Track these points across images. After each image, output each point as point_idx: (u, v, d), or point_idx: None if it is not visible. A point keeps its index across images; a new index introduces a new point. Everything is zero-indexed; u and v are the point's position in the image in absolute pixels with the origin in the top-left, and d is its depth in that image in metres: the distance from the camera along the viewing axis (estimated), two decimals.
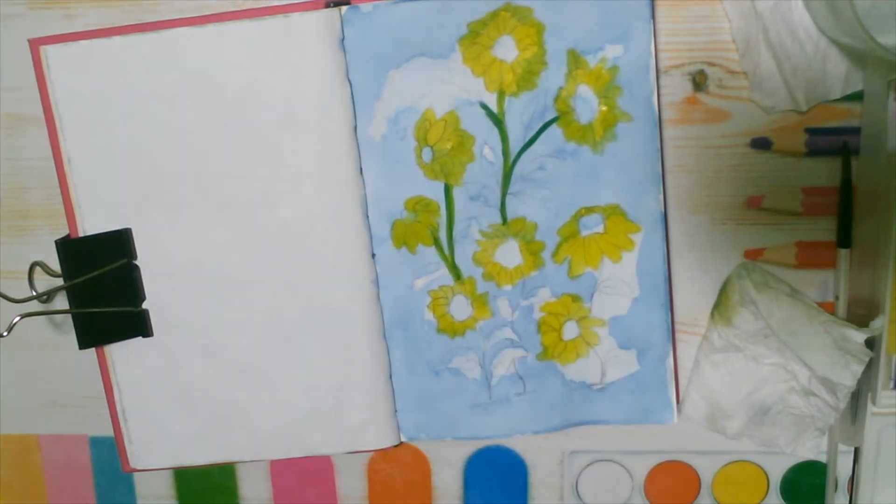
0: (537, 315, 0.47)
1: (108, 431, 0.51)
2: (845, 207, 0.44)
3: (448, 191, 0.46)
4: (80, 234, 0.48)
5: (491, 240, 0.46)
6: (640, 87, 0.44)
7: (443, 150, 0.45)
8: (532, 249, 0.46)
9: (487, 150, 0.45)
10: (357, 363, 0.48)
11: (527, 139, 0.45)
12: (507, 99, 0.44)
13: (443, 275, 0.47)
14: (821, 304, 0.46)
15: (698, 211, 0.46)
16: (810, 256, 0.46)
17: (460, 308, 0.47)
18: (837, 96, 0.43)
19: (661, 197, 0.45)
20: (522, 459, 0.50)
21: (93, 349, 0.49)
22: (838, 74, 0.42)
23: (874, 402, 0.45)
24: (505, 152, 0.45)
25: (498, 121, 0.45)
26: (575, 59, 0.44)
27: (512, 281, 0.47)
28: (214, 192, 0.47)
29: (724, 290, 0.46)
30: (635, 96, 0.44)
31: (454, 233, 0.46)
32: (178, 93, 0.45)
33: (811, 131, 0.44)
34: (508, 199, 0.46)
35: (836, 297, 0.45)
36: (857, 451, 0.47)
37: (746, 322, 0.45)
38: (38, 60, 0.46)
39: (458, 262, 0.47)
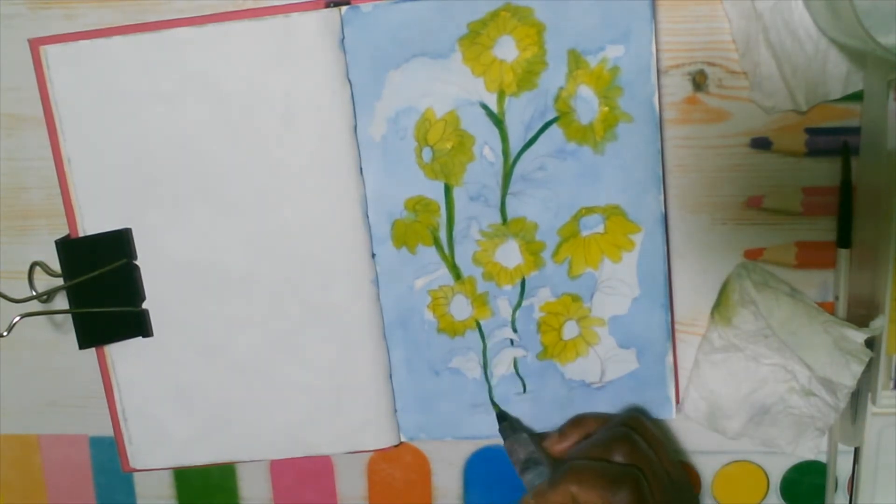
0: (537, 315, 0.47)
1: (108, 431, 0.51)
2: (845, 207, 0.44)
3: (448, 191, 0.46)
4: (80, 234, 0.48)
5: (491, 240, 0.46)
6: (640, 87, 0.44)
7: (443, 150, 0.45)
8: (532, 249, 0.46)
9: (487, 150, 0.45)
10: (357, 363, 0.48)
11: (527, 139, 0.45)
12: (507, 99, 0.44)
13: (443, 275, 0.47)
14: (821, 304, 0.46)
15: (698, 211, 0.46)
16: (810, 256, 0.46)
17: (460, 308, 0.47)
18: (837, 96, 0.43)
19: (661, 197, 0.45)
20: None
21: (93, 349, 0.49)
22: (838, 74, 0.42)
23: (874, 402, 0.45)
24: (505, 152, 0.45)
25: (498, 121, 0.45)
26: (575, 60, 0.44)
27: (512, 281, 0.47)
28: (214, 192, 0.47)
29: (724, 290, 0.46)
30: (636, 96, 0.44)
31: (454, 233, 0.47)
32: (179, 93, 0.45)
33: (811, 131, 0.44)
34: (508, 199, 0.46)
35: (836, 297, 0.45)
36: (857, 451, 0.47)
37: (746, 322, 0.45)
38: (38, 60, 0.46)
39: (458, 261, 0.47)
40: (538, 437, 0.48)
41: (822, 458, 0.48)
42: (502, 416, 0.48)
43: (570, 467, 0.42)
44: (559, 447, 0.46)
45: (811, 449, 0.46)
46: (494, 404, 0.48)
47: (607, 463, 0.42)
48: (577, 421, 0.47)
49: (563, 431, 0.47)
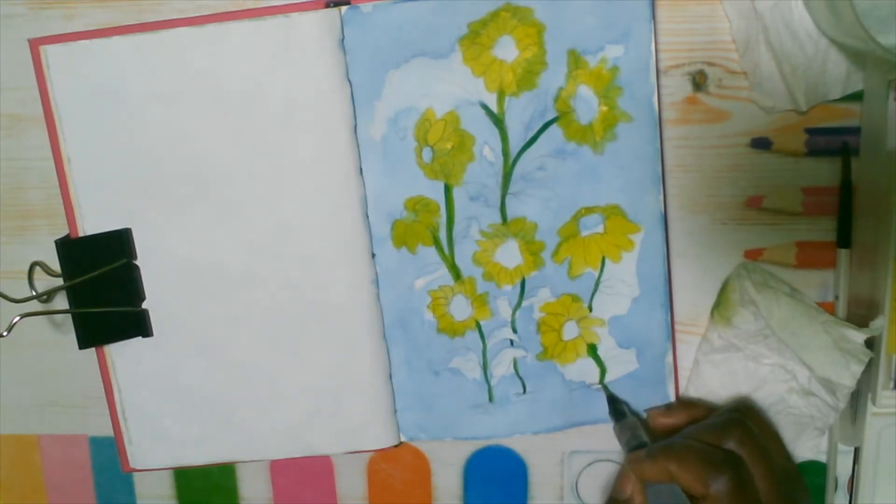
0: (537, 315, 0.47)
1: (108, 431, 0.51)
2: (845, 207, 0.44)
3: (448, 191, 0.46)
4: (80, 234, 0.48)
5: (491, 240, 0.46)
6: (640, 87, 0.44)
7: (443, 150, 0.45)
8: (532, 249, 0.46)
9: (487, 150, 0.45)
10: (357, 363, 0.48)
11: (527, 139, 0.45)
12: (507, 99, 0.44)
13: (443, 275, 0.47)
14: (821, 304, 0.46)
15: (698, 211, 0.46)
16: (810, 256, 0.46)
17: (460, 308, 0.47)
18: (837, 96, 0.43)
19: (661, 197, 0.45)
20: (522, 459, 0.50)
21: (93, 349, 0.49)
22: (838, 74, 0.42)
23: (874, 402, 0.45)
24: (505, 152, 0.45)
25: (498, 121, 0.45)
26: (575, 60, 0.44)
27: (512, 281, 0.47)
28: (214, 192, 0.47)
29: (724, 290, 0.46)
30: (635, 96, 0.44)
31: (454, 233, 0.46)
32: (179, 93, 0.45)
33: (811, 131, 0.44)
34: (508, 199, 0.46)
35: (836, 297, 0.45)
36: (857, 451, 0.47)
37: (746, 322, 0.45)
38: (38, 60, 0.46)
39: (458, 262, 0.47)
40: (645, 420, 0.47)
41: (822, 458, 0.48)
42: (613, 399, 0.47)
43: (673, 445, 0.41)
44: (663, 421, 0.46)
45: (811, 449, 0.46)
46: (605, 386, 0.47)
47: (711, 447, 0.41)
48: (687, 402, 0.47)
49: (670, 407, 0.47)
